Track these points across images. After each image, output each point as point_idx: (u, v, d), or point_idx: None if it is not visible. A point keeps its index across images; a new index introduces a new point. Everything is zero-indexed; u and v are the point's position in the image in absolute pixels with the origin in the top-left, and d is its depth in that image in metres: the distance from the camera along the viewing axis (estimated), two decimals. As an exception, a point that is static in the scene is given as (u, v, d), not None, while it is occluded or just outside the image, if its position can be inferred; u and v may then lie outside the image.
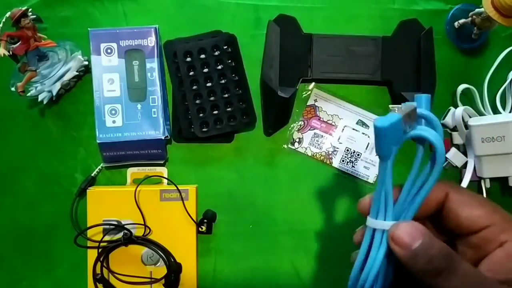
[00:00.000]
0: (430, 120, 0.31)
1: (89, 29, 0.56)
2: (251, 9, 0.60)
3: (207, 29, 0.59)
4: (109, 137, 0.55)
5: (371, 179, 0.60)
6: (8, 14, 0.52)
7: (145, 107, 0.56)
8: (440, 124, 0.31)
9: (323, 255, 0.59)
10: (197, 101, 0.57)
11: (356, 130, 0.60)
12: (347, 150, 0.60)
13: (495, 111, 0.59)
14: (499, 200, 0.60)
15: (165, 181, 0.58)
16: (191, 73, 0.57)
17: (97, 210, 0.56)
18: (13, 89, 0.55)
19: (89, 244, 0.55)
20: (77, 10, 0.59)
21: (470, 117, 0.58)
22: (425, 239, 0.29)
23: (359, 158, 0.60)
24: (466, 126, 0.57)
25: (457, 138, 0.59)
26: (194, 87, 0.57)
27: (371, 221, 0.33)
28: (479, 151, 0.55)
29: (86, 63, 0.57)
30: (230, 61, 0.58)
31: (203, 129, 0.57)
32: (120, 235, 0.55)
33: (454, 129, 0.59)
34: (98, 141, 0.55)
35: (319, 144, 0.60)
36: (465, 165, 0.59)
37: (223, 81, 0.57)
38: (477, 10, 0.56)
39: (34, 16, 0.54)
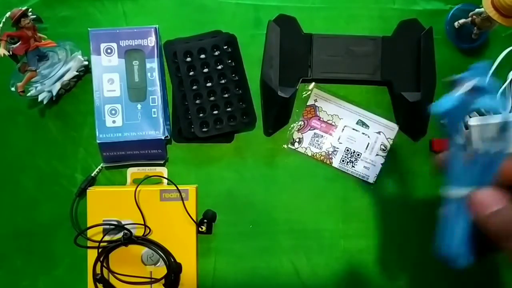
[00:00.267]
0: (490, 90, 0.32)
1: (89, 29, 0.56)
2: (251, 9, 0.60)
3: (207, 29, 0.59)
4: (109, 137, 0.55)
5: (371, 179, 0.60)
6: (8, 14, 0.52)
7: (145, 107, 0.56)
8: (500, 91, 0.32)
9: (323, 255, 0.59)
10: (197, 101, 0.57)
11: (356, 130, 0.60)
12: (347, 150, 0.60)
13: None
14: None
15: (165, 181, 0.58)
16: (191, 73, 0.57)
17: (97, 210, 0.56)
18: (13, 89, 0.55)
19: (89, 244, 0.55)
20: (77, 10, 0.59)
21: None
22: (503, 204, 0.32)
23: (359, 158, 0.60)
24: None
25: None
26: (194, 87, 0.57)
27: (450, 189, 0.35)
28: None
29: (86, 63, 0.57)
30: (230, 61, 0.58)
31: (203, 129, 0.57)
32: (120, 235, 0.55)
33: (454, 129, 0.59)
34: (98, 141, 0.55)
35: (319, 144, 0.60)
36: (465, 165, 0.59)
37: (223, 81, 0.57)
38: (477, 10, 0.56)
39: (34, 16, 0.54)
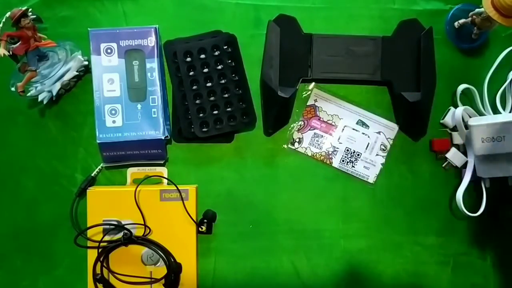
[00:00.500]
0: None
1: (89, 29, 0.56)
2: (251, 9, 0.60)
3: (207, 29, 0.59)
4: (109, 137, 0.55)
5: (371, 179, 0.60)
6: (8, 14, 0.52)
7: (145, 107, 0.56)
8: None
9: (323, 255, 0.59)
10: (197, 101, 0.57)
11: (356, 130, 0.60)
12: (347, 150, 0.60)
13: (495, 111, 0.59)
14: (499, 200, 0.60)
15: (165, 181, 0.58)
16: (191, 73, 0.57)
17: (97, 210, 0.56)
18: (13, 89, 0.55)
19: (89, 244, 0.55)
20: (77, 10, 0.59)
21: (470, 117, 0.58)
22: None
23: (359, 158, 0.60)
24: (466, 126, 0.57)
25: (457, 138, 0.59)
26: (194, 87, 0.57)
27: None
28: (479, 151, 0.55)
29: (86, 63, 0.57)
30: (230, 61, 0.58)
31: (203, 129, 0.57)
32: (120, 235, 0.55)
33: (454, 129, 0.59)
34: (98, 141, 0.55)
35: (319, 144, 0.60)
36: (465, 165, 0.59)
37: (223, 81, 0.57)
38: (477, 10, 0.56)
39: (34, 16, 0.54)
